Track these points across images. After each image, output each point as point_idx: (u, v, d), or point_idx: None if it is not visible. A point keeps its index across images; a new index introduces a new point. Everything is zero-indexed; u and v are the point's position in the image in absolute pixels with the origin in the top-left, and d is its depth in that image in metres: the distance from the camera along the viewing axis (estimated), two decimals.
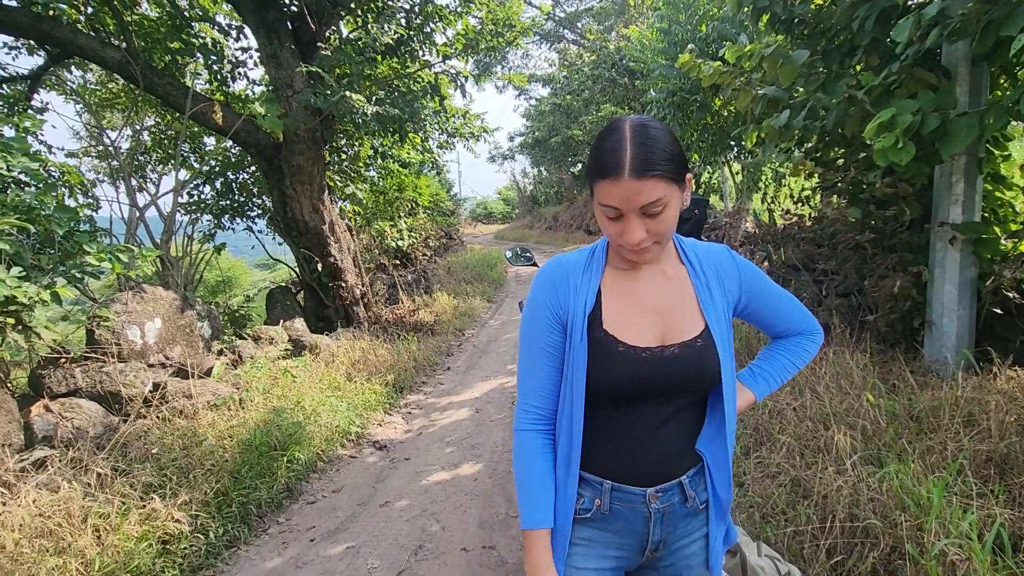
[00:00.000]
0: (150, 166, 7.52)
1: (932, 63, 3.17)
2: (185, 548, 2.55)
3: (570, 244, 17.75)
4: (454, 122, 6.72)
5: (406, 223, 9.59)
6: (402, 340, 6.05)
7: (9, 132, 3.48)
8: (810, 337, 1.25)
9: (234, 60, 5.52)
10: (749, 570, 1.43)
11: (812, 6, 3.81)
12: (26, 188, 3.21)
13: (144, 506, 2.61)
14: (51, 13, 3.45)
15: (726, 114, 7.62)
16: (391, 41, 4.71)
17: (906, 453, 2.36)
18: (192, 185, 6.92)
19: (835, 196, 4.29)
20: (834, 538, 2.02)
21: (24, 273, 2.74)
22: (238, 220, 7.57)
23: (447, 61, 5.81)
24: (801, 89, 3.69)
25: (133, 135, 8.14)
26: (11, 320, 2.77)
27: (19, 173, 2.96)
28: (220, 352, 4.46)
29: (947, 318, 3.23)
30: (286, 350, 4.74)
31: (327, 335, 5.66)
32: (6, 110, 4.46)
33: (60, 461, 2.70)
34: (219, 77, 5.60)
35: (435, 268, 10.69)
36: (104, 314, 3.41)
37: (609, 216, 0.95)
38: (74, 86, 7.33)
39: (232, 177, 7.32)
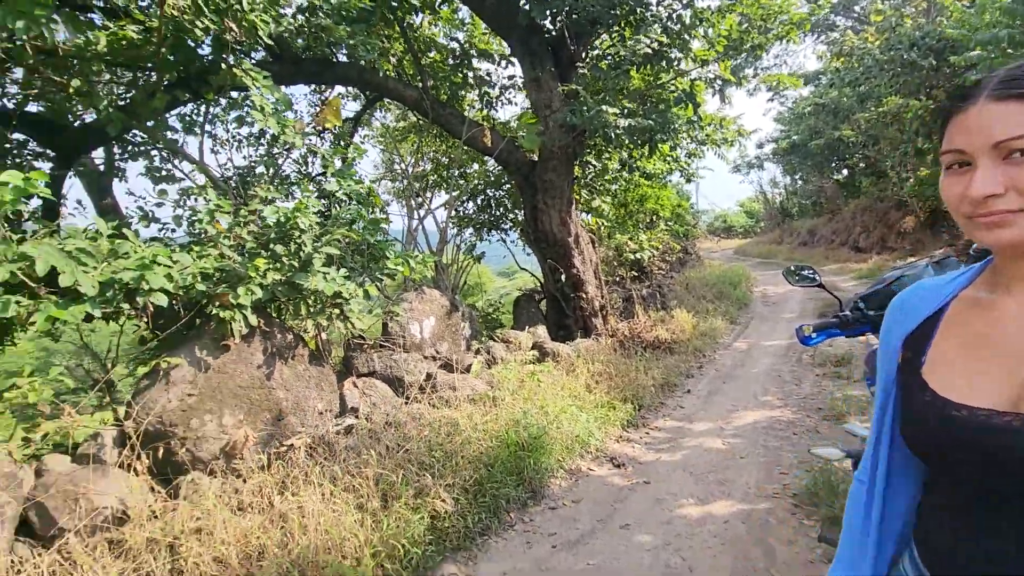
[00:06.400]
0: (428, 189, 8.90)
1: None
2: (448, 527, 2.82)
3: (830, 262, 15.33)
4: (707, 129, 6.34)
5: (645, 236, 9.43)
6: (639, 357, 5.90)
7: (338, 163, 4.47)
8: None
9: (502, 87, 6.14)
10: None
11: None
12: (348, 205, 3.99)
13: (418, 480, 2.97)
14: (373, 66, 4.26)
15: None
16: (649, 51, 4.64)
17: None
18: (459, 203, 7.93)
19: None
20: None
21: (347, 273, 3.39)
22: (493, 232, 8.46)
23: (705, 66, 5.50)
24: None
25: (416, 163, 9.72)
26: (336, 311, 3.47)
27: (347, 193, 3.69)
28: (477, 351, 4.93)
29: None
30: (533, 356, 5.01)
31: (567, 344, 5.83)
32: (336, 145, 5.71)
33: (362, 430, 3.25)
34: (489, 104, 6.29)
35: (672, 283, 10.27)
36: (396, 310, 4.06)
37: (951, 169, 0.70)
38: (378, 127, 9.09)
39: (491, 194, 8.18)
